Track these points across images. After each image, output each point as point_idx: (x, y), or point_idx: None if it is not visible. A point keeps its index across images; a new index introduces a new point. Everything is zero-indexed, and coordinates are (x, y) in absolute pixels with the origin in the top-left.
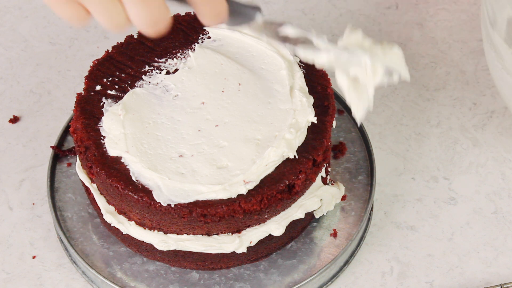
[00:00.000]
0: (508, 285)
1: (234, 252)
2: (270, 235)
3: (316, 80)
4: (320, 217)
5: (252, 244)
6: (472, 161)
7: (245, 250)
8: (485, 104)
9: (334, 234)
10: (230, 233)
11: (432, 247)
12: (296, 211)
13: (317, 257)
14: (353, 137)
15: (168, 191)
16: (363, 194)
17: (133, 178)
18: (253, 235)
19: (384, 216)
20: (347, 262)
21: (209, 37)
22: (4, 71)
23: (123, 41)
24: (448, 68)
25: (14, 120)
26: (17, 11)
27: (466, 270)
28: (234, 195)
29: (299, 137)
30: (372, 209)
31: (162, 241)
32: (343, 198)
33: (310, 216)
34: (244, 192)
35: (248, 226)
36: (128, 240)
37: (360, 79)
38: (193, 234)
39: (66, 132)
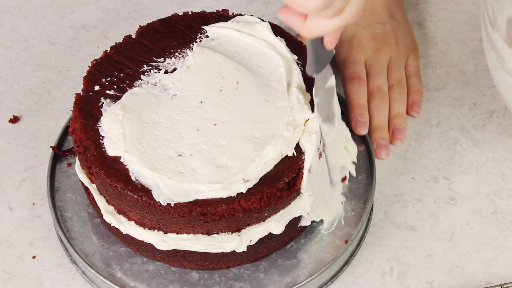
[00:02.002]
0: (508, 285)
1: (234, 251)
2: (270, 234)
3: (314, 78)
4: None
5: (252, 243)
6: (472, 161)
7: (245, 249)
8: (485, 104)
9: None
10: (230, 232)
11: (432, 247)
12: (297, 209)
13: (317, 257)
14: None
15: (168, 190)
16: (363, 194)
17: (133, 178)
18: (253, 233)
19: (384, 216)
20: (347, 262)
21: (207, 36)
22: (4, 71)
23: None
24: (448, 68)
25: (14, 120)
26: (17, 11)
27: (466, 270)
28: (233, 194)
29: (297, 135)
30: (372, 209)
31: (162, 240)
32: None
33: None
34: (244, 190)
35: (248, 225)
36: (128, 240)
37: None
38: (193, 233)
39: (66, 132)
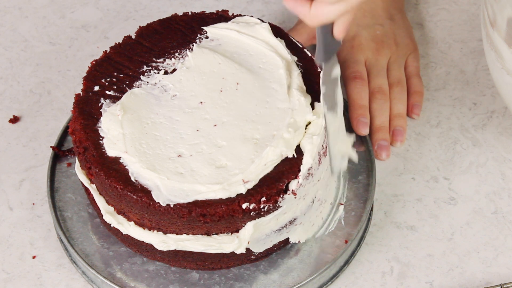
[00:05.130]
0: (508, 285)
1: (234, 252)
2: None
3: (314, 79)
4: None
5: None
6: (472, 161)
7: (244, 251)
8: (485, 104)
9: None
10: (230, 233)
11: (432, 247)
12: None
13: (317, 257)
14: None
15: (167, 191)
16: (363, 194)
17: (132, 179)
18: None
19: (384, 216)
20: (347, 262)
21: (207, 37)
22: (4, 71)
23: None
24: (448, 68)
25: (14, 120)
26: (17, 11)
27: (466, 270)
28: (233, 195)
29: (297, 136)
30: (372, 209)
31: (162, 241)
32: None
33: None
34: (243, 191)
35: None
36: (128, 240)
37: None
38: (193, 234)
39: (66, 132)
